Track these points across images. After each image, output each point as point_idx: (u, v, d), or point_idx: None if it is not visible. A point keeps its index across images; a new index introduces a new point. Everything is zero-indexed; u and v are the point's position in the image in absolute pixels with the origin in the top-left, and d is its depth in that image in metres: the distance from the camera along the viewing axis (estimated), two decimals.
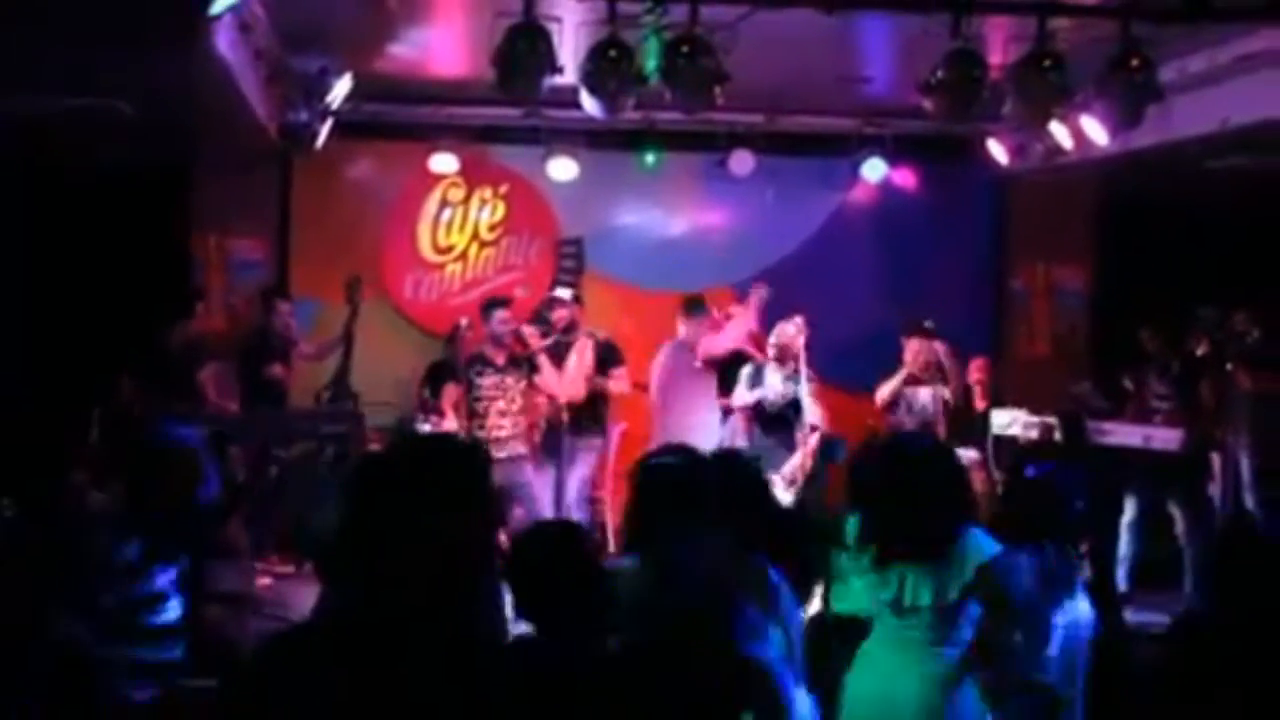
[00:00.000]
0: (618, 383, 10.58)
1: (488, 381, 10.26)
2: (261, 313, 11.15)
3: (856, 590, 5.20)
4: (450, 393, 10.35)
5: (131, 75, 8.38)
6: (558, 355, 10.38)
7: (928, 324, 10.78)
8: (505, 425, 10.18)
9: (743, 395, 10.30)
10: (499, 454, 9.58)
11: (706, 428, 10.31)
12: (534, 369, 10.30)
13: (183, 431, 5.36)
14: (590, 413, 10.49)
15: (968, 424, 10.75)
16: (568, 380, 10.32)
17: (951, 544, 4.84)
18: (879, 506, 5.01)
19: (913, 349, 10.74)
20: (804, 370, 10.04)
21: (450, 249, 12.65)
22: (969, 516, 5.03)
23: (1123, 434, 10.06)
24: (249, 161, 11.59)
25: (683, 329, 10.74)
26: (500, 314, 10.43)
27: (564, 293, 10.88)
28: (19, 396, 9.76)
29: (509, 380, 10.28)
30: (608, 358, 10.53)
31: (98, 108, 9.24)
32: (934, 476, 4.94)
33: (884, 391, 10.75)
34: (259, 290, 11.68)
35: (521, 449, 10.27)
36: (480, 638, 3.26)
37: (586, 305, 11.08)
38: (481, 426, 10.10)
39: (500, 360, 10.30)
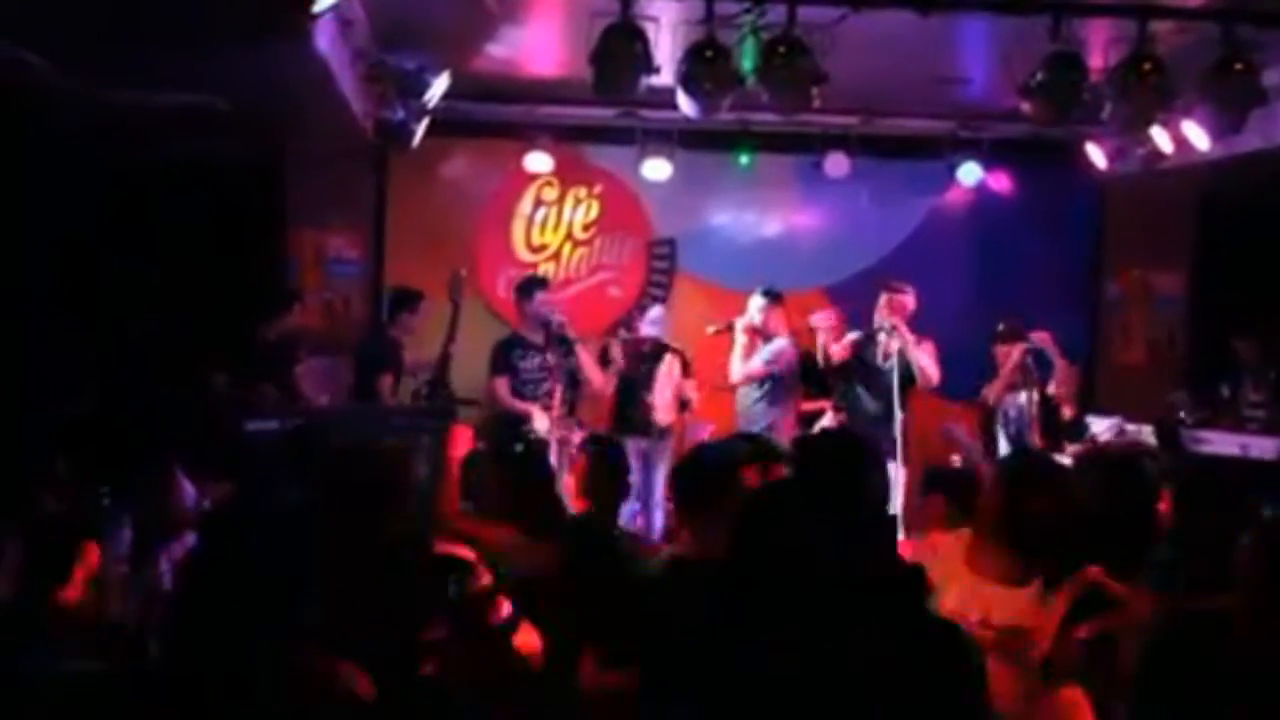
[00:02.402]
0: (694, 393, 10.72)
1: (530, 364, 10.26)
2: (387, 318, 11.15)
3: None
4: (501, 385, 10.34)
5: (231, 72, 8.46)
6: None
7: (1001, 327, 10.66)
8: (555, 406, 10.12)
9: None
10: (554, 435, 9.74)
11: None
12: (573, 354, 10.31)
13: None
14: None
15: (1057, 430, 10.64)
16: (662, 405, 10.40)
17: None
18: None
19: (1002, 354, 10.62)
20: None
21: (544, 248, 12.71)
22: None
23: (1219, 443, 9.93)
24: (345, 159, 11.68)
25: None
26: (540, 295, 10.45)
27: (655, 312, 10.83)
28: (113, 386, 9.88)
29: (551, 359, 10.25)
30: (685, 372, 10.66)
31: (196, 104, 9.35)
32: None
33: (991, 394, 10.63)
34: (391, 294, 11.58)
35: (568, 430, 10.09)
36: None
37: (678, 305, 11.10)
38: (546, 408, 10.09)
39: (539, 340, 10.31)
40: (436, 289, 10.61)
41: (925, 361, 9.98)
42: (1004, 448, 10.30)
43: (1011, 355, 10.50)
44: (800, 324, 10.86)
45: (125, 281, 10.74)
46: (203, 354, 10.02)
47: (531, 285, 10.76)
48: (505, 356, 10.36)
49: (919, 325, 10.17)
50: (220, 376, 9.87)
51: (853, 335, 10.39)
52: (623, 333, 10.94)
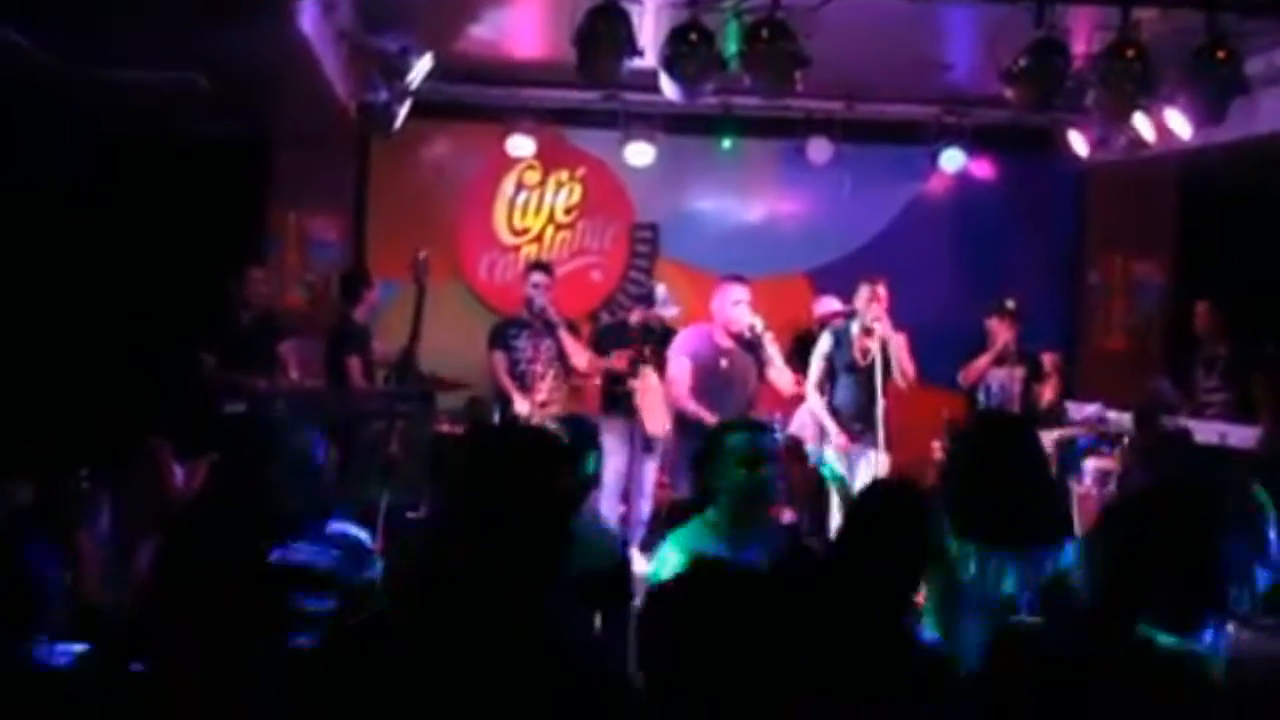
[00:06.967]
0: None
1: (523, 344, 10.20)
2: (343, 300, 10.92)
3: None
4: (499, 360, 10.31)
5: (215, 52, 8.45)
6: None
7: (1009, 304, 10.60)
8: (543, 389, 10.07)
9: None
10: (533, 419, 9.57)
11: None
12: (554, 337, 10.21)
13: None
14: None
15: (1037, 416, 10.63)
16: (655, 410, 10.10)
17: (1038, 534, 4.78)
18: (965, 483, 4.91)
19: (991, 328, 10.60)
20: None
21: (526, 231, 12.68)
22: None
23: (1199, 431, 9.93)
24: (327, 140, 11.63)
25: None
26: (535, 276, 10.37)
27: (669, 311, 10.43)
28: (95, 366, 9.86)
29: (543, 342, 10.20)
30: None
31: (176, 81, 9.33)
32: (1023, 457, 4.86)
33: (970, 371, 10.59)
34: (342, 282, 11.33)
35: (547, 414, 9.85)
36: None
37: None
38: (528, 391, 10.03)
39: (532, 320, 10.28)
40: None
41: (905, 361, 9.72)
42: None
43: (1001, 333, 10.48)
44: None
45: (103, 257, 10.72)
46: (188, 333, 9.99)
47: (531, 266, 10.73)
48: (502, 335, 10.33)
49: (898, 312, 10.08)
50: (209, 358, 9.83)
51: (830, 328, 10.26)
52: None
